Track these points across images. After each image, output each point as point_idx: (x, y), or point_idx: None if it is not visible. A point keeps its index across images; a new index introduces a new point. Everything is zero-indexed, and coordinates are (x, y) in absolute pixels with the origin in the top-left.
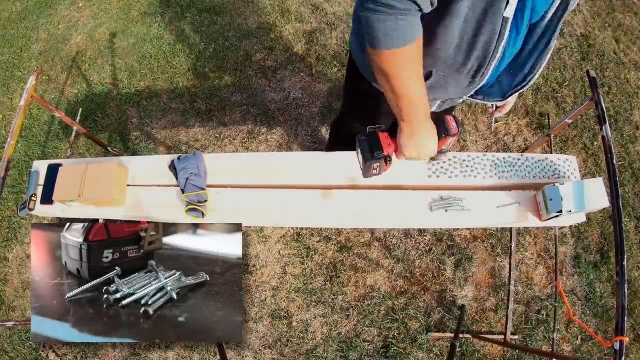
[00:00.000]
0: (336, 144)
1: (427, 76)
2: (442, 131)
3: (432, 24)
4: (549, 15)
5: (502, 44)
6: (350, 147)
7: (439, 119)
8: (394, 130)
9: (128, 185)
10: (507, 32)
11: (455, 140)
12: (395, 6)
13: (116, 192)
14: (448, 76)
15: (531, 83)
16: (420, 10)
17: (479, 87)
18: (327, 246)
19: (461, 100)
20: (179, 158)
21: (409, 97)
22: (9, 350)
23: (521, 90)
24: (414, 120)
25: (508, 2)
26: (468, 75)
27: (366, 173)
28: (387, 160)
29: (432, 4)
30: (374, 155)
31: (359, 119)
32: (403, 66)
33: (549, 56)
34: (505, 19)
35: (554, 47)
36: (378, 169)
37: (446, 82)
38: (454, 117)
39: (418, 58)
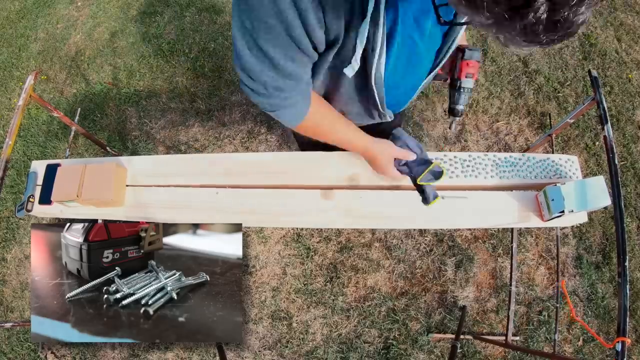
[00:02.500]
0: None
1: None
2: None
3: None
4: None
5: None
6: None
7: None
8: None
9: (127, 186)
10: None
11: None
12: (269, 105)
13: (115, 192)
14: (359, 116)
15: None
16: (288, 95)
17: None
18: (327, 246)
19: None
20: None
21: (342, 144)
22: (7, 352)
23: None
24: (362, 154)
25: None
26: (368, 113)
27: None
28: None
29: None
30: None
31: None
32: (313, 131)
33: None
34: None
35: (557, 47)
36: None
37: (361, 119)
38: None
39: (317, 122)
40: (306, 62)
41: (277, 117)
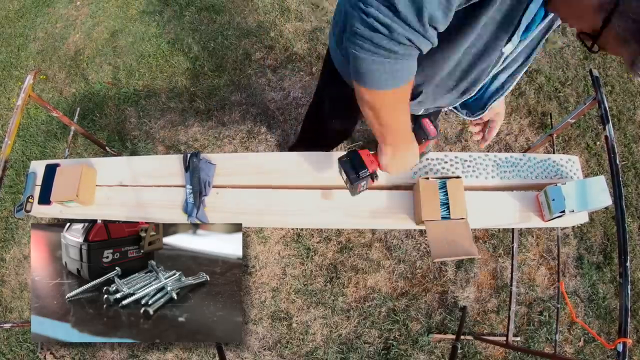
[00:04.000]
0: (304, 143)
1: (417, 95)
2: (422, 136)
3: (431, 50)
4: (533, 34)
5: (494, 70)
6: (318, 147)
7: (416, 124)
8: (373, 144)
9: (127, 185)
10: (500, 62)
11: (434, 142)
12: (397, 52)
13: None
14: (436, 93)
15: (506, 92)
16: (421, 52)
17: (464, 100)
18: (327, 247)
19: (446, 110)
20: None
21: (395, 127)
22: (6, 352)
23: (497, 98)
24: (397, 144)
25: (510, 39)
26: (456, 93)
27: (354, 192)
28: (373, 176)
29: (432, 44)
30: (359, 175)
31: (335, 119)
32: (395, 104)
33: (526, 67)
34: (502, 53)
35: (558, 47)
36: (365, 186)
37: (434, 98)
38: (431, 119)
39: (409, 94)
40: (446, 23)
41: (368, 70)
